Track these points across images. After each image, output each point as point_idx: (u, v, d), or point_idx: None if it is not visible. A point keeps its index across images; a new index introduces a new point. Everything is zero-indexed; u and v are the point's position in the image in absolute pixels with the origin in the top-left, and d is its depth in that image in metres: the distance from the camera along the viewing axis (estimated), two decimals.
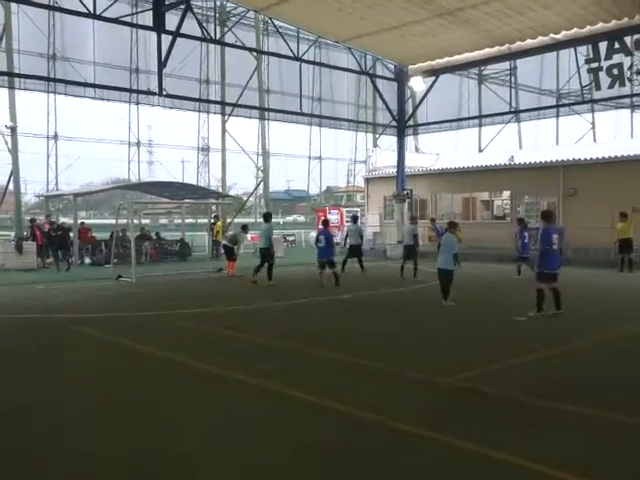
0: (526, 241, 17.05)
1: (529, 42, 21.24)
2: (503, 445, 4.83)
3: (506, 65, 30.59)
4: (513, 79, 31.52)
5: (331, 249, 15.73)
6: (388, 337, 9.37)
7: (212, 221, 26.38)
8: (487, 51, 22.56)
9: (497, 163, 25.16)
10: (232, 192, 34.70)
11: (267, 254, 15.98)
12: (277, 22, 22.67)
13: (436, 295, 12.31)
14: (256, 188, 34.00)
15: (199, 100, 26.30)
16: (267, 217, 16.94)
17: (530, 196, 24.88)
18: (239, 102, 25.06)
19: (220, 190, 30.40)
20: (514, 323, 10.16)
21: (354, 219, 20.30)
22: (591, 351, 8.35)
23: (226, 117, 29.44)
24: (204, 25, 21.53)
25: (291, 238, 32.72)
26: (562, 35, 20.46)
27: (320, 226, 17.75)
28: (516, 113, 30.98)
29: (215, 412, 5.82)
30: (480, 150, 35.94)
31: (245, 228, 19.89)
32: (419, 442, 5.03)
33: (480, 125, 34.78)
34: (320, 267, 15.63)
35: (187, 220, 30.88)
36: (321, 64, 27.01)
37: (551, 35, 20.62)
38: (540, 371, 7.24)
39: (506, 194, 25.96)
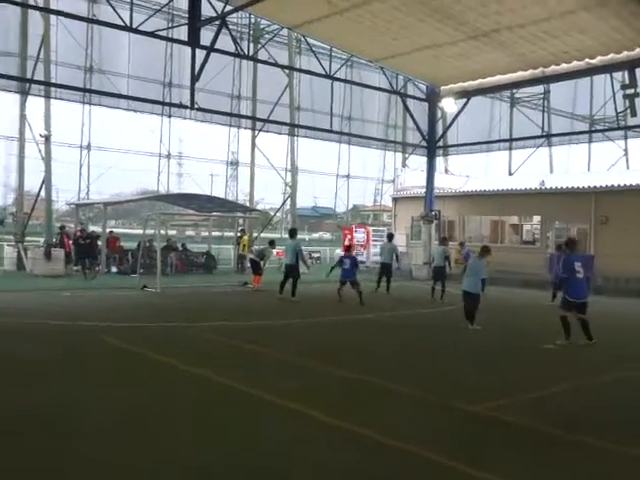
0: None
1: (564, 66, 21.00)
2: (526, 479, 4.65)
3: (539, 89, 30.44)
4: (546, 103, 31.28)
5: (354, 270, 16.14)
6: (412, 360, 9.19)
7: (239, 235, 26.46)
8: (520, 74, 22.37)
9: (528, 187, 24.85)
10: (259, 207, 34.86)
11: (292, 270, 16.04)
12: (310, 40, 22.84)
13: (463, 318, 12.08)
14: (283, 204, 34.10)
15: (230, 115, 26.54)
16: (292, 233, 17.15)
17: (561, 222, 24.48)
18: (270, 118, 25.21)
19: (247, 204, 30.55)
20: (543, 351, 9.90)
21: (389, 237, 20.08)
22: (622, 383, 8.06)
23: (256, 132, 29.65)
24: (238, 41, 21.79)
25: (316, 255, 32.61)
26: (598, 60, 20.20)
27: (344, 249, 18.41)
28: (548, 137, 30.70)
29: (233, 428, 5.71)
30: (510, 173, 35.61)
31: (272, 243, 19.93)
32: (439, 471, 4.86)
33: (511, 148, 34.55)
34: (341, 284, 16.07)
35: (214, 233, 31.03)
36: (352, 82, 27.11)
37: (586, 60, 20.36)
38: (568, 402, 7.01)
39: (536, 219, 25.59)
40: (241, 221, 28.46)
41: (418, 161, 30.10)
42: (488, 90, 25.37)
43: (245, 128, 30.01)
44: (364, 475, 4.73)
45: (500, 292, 18.51)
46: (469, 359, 9.34)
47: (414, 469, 4.87)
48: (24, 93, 21.41)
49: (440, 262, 16.90)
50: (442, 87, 25.26)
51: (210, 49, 18.98)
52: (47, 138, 22.69)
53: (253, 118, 28.22)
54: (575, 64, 20.76)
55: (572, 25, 18.01)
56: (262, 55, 23.96)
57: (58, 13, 19.48)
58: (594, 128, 32.34)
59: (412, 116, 26.49)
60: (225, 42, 20.23)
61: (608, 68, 20.91)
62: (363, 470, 4.81)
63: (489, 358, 9.45)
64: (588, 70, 21.27)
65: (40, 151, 22.79)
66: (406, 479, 4.69)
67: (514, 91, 31.92)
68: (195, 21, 18.43)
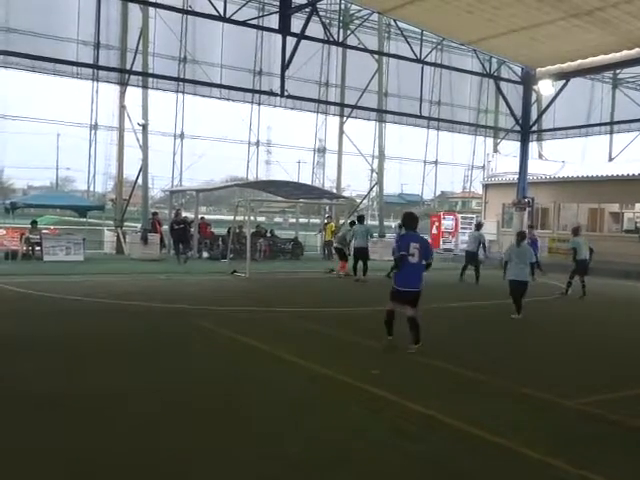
0: None
1: None
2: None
3: None
4: None
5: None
6: (498, 351, 8.90)
7: (325, 222, 26.59)
8: (625, 53, 21.00)
9: (630, 173, 23.45)
10: (346, 193, 34.81)
11: (362, 252, 17.54)
12: (400, 24, 22.45)
13: (559, 310, 11.60)
14: (370, 190, 33.92)
15: (319, 101, 26.59)
16: (361, 219, 18.91)
17: None
18: (358, 104, 25.06)
19: (334, 191, 30.60)
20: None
21: (477, 226, 19.89)
22: None
23: (344, 119, 29.58)
24: (328, 27, 21.74)
25: None
26: None
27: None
28: None
29: (322, 412, 5.74)
30: (610, 159, 33.72)
31: (353, 224, 20.02)
32: (537, 468, 4.66)
33: (612, 132, 32.60)
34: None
35: (300, 220, 31.34)
36: (443, 66, 26.48)
37: None
38: None
39: (639, 207, 24.14)
40: (327, 208, 28.55)
41: (510, 146, 29.12)
42: (589, 71, 24.02)
43: (333, 115, 29.98)
44: (459, 469, 4.61)
45: (599, 283, 17.62)
46: (562, 352, 8.96)
47: (509, 464, 4.71)
48: (124, 84, 22.34)
49: (587, 255, 15.61)
50: (538, 69, 24.18)
51: (300, 36, 19.05)
52: (144, 127, 23.59)
53: (341, 104, 28.15)
54: None
55: None
56: (351, 41, 23.80)
57: (156, 5, 20.14)
58: None
59: (506, 100, 25.55)
60: (314, 29, 20.25)
61: None
62: (458, 465, 4.70)
63: (584, 352, 9.01)
64: None
65: (138, 140, 23.73)
66: (500, 474, 4.53)
67: (617, 71, 30.11)
68: (286, 9, 18.54)
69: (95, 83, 25.12)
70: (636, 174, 23.36)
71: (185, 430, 5.19)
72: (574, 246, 15.61)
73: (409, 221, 8.61)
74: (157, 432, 5.13)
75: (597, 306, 14.17)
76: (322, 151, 34.18)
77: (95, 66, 20.22)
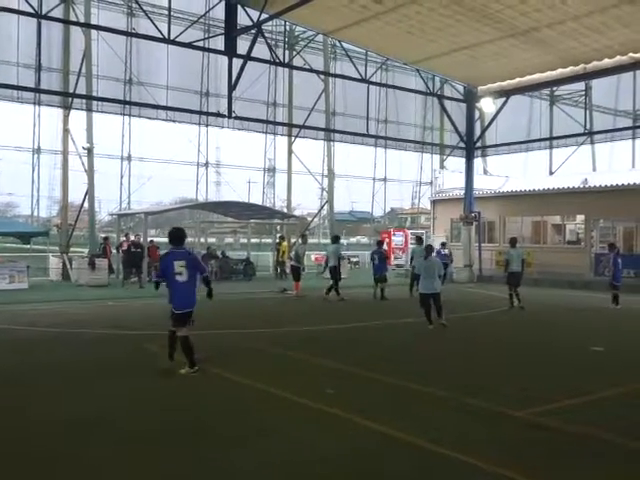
0: (620, 268, 16.10)
1: (606, 62, 20.50)
2: None
3: (580, 85, 29.73)
4: (587, 99, 30.56)
5: (384, 265, 17.78)
6: (451, 365, 9.01)
7: (277, 241, 26.58)
8: (560, 71, 21.92)
9: (570, 186, 24.33)
10: (297, 212, 34.94)
11: (335, 272, 17.66)
12: (345, 45, 22.83)
13: (502, 322, 11.85)
14: (321, 209, 34.13)
15: (267, 122, 26.69)
16: (335, 239, 19.23)
17: (605, 220, 23.89)
18: (306, 124, 25.28)
19: (285, 211, 30.67)
20: (590, 354, 9.62)
21: (419, 240, 20.05)
22: None
23: (292, 139, 29.75)
24: (273, 49, 21.91)
25: (355, 259, 32.53)
26: None
27: (376, 246, 19.33)
28: (590, 135, 29.91)
29: (278, 434, 5.69)
30: (551, 173, 34.89)
31: (304, 237, 20.34)
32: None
33: (551, 147, 33.75)
34: (375, 282, 17.50)
35: (252, 240, 31.24)
36: (388, 86, 26.99)
37: (630, 54, 19.84)
38: (622, 408, 6.76)
39: (579, 218, 25.03)
40: (279, 227, 28.56)
41: (456, 163, 29.78)
42: (527, 89, 24.94)
43: (281, 135, 30.13)
44: None
45: (543, 294, 18.13)
46: (511, 363, 9.14)
47: (461, 476, 4.75)
48: (67, 107, 21.89)
49: (518, 267, 15.71)
50: (480, 87, 24.95)
51: (247, 58, 19.12)
52: (89, 151, 23.15)
53: (289, 125, 28.32)
54: (618, 59, 20.26)
55: (615, 19, 17.56)
56: (297, 62, 24.05)
57: (98, 28, 19.90)
58: (638, 124, 31.43)
59: (450, 117, 26.21)
60: (261, 50, 20.39)
61: None
62: (408, 478, 4.73)
63: (534, 362, 9.20)
64: (632, 65, 20.68)
65: (83, 163, 23.26)
66: None
67: (554, 89, 31.31)
68: (231, 30, 18.62)
69: (37, 107, 24.59)
70: (575, 187, 24.24)
71: (133, 459, 5.07)
72: (507, 258, 16.05)
73: (174, 237, 8.23)
74: (105, 463, 4.99)
75: (539, 316, 14.53)
76: (272, 171, 34.31)
77: (37, 90, 19.78)
